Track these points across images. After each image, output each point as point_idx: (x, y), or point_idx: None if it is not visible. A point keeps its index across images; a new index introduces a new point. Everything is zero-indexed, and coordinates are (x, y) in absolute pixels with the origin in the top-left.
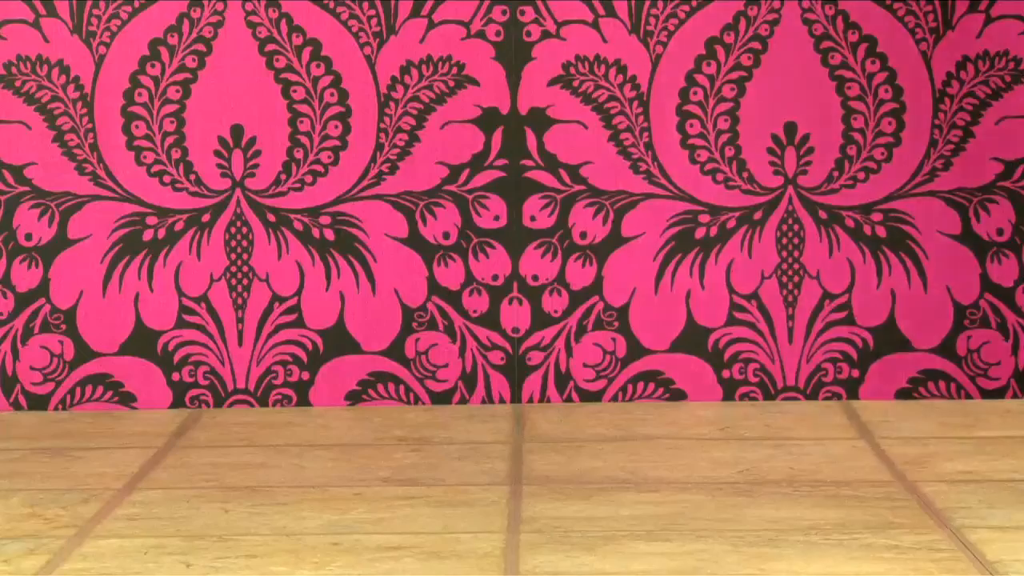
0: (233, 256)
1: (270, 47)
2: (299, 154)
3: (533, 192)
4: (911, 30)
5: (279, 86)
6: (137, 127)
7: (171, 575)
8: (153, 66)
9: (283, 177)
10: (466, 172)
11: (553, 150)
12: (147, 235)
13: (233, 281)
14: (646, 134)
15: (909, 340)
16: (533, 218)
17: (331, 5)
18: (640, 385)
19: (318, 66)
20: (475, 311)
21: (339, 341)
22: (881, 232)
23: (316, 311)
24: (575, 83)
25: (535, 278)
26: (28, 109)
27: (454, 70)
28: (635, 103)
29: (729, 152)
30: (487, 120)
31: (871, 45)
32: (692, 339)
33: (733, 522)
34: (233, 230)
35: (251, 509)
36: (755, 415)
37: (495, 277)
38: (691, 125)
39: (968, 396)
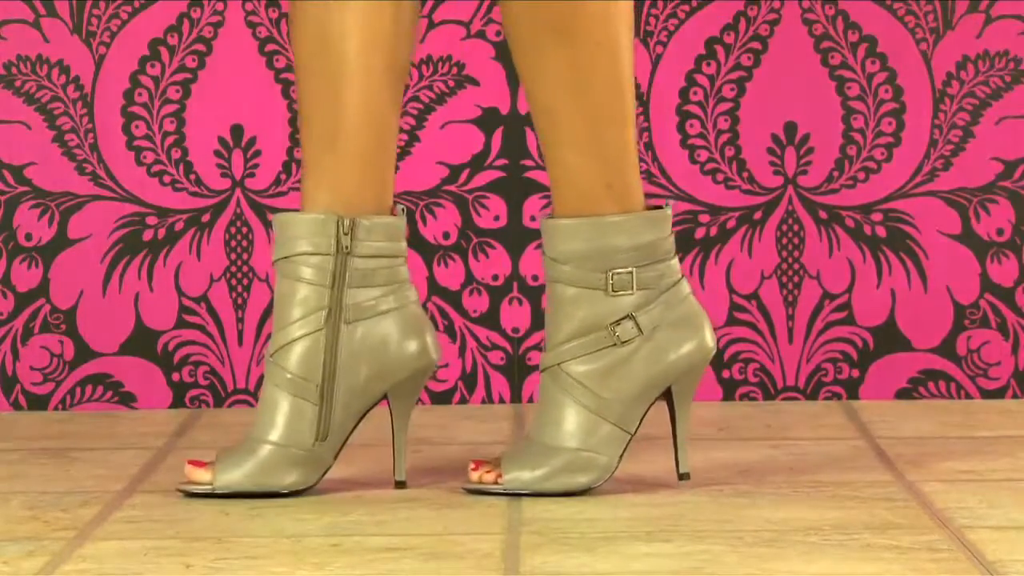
0: (233, 256)
1: (270, 47)
2: (299, 154)
3: (533, 192)
4: (911, 30)
5: (279, 86)
6: (137, 127)
7: None
8: (153, 66)
9: (283, 177)
10: (466, 172)
11: None
12: (147, 235)
13: (233, 281)
14: (646, 134)
15: (909, 340)
16: (533, 218)
17: None
18: None
19: None
20: (475, 311)
21: None
22: (881, 232)
23: None
24: None
25: (535, 278)
26: (28, 109)
27: (454, 70)
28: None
29: (729, 152)
30: (487, 120)
31: (871, 45)
32: None
33: (733, 522)
34: (233, 230)
35: (251, 511)
36: (755, 415)
37: (495, 277)
38: (691, 125)
39: (968, 396)
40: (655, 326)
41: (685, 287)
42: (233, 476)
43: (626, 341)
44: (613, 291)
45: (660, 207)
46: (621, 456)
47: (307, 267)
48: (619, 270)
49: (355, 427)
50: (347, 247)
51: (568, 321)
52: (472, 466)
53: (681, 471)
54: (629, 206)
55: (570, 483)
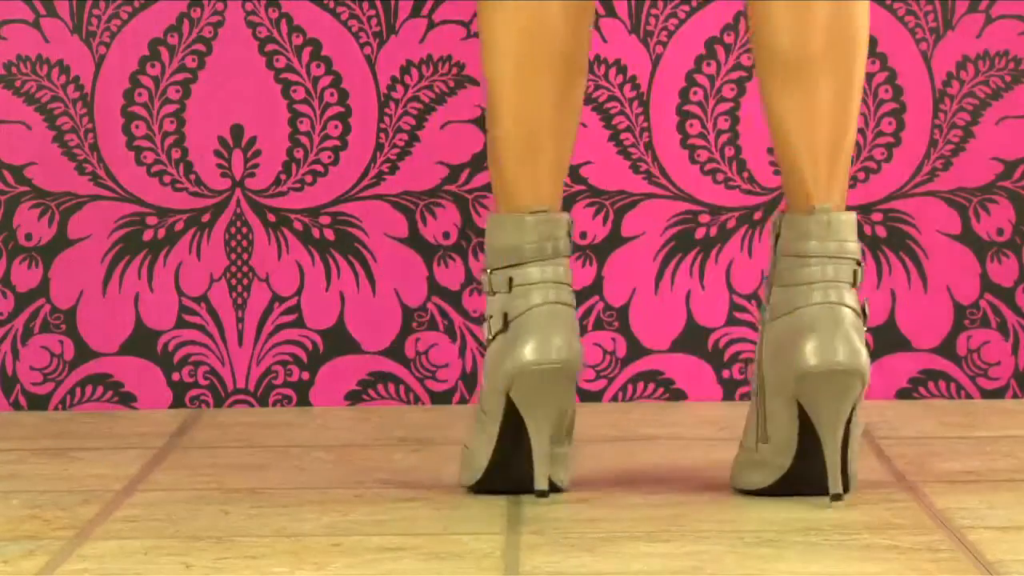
0: (233, 256)
1: (270, 47)
2: (299, 154)
3: None
4: (911, 30)
5: (279, 86)
6: (137, 127)
7: None
8: (153, 66)
9: (283, 177)
10: (466, 172)
11: None
12: (147, 235)
13: (233, 281)
14: (646, 134)
15: (909, 340)
16: None
17: (331, 5)
18: (640, 385)
19: (318, 66)
20: (475, 311)
21: (339, 341)
22: (881, 232)
23: (316, 311)
24: None
25: None
26: (28, 109)
27: (454, 70)
28: (635, 103)
29: (729, 152)
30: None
31: (871, 45)
32: (692, 339)
33: (733, 522)
34: (233, 230)
35: (251, 510)
36: None
37: None
38: (691, 125)
39: (968, 396)
40: (498, 331)
41: (539, 297)
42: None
43: (491, 339)
44: (486, 289)
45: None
46: (495, 458)
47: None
48: (484, 269)
49: (808, 432)
50: (775, 246)
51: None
52: None
53: (537, 488)
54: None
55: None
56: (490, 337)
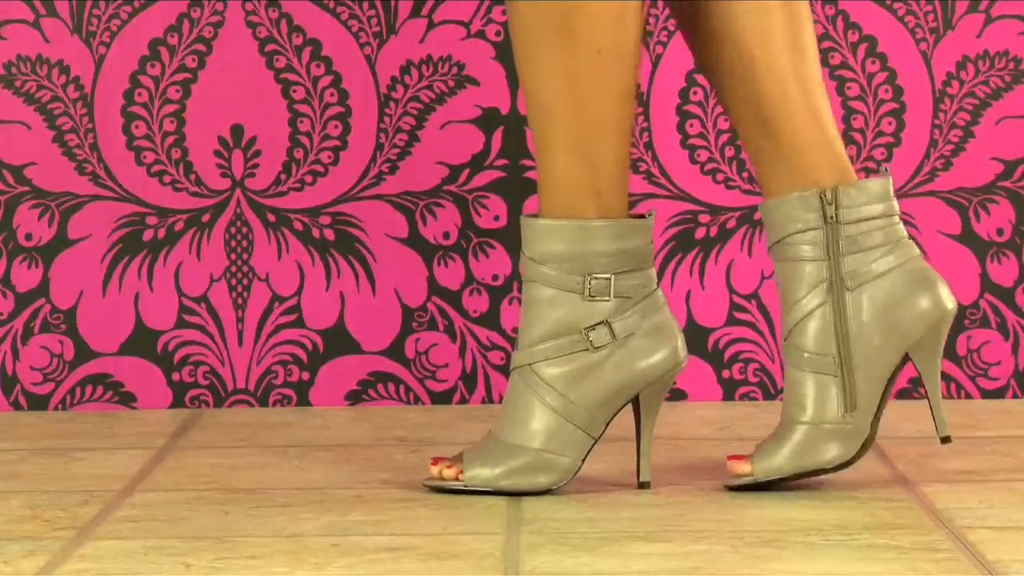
0: (233, 256)
1: (270, 47)
2: (299, 154)
3: (533, 192)
4: (911, 30)
5: (279, 86)
6: (137, 127)
7: None
8: (153, 66)
9: (283, 177)
10: (466, 172)
11: None
12: (147, 235)
13: (233, 281)
14: (646, 134)
15: None
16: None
17: (331, 5)
18: None
19: (318, 66)
20: (475, 311)
21: (339, 341)
22: None
23: (316, 311)
24: None
25: None
26: (28, 109)
27: (454, 70)
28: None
29: (729, 152)
30: (487, 120)
31: (871, 45)
32: (692, 339)
33: (733, 522)
34: (233, 230)
35: (251, 510)
36: (755, 415)
37: (495, 277)
38: (691, 125)
39: (968, 396)
40: (629, 334)
41: (660, 297)
42: (775, 462)
43: (599, 347)
44: (590, 296)
45: (642, 215)
46: (583, 459)
47: (804, 244)
48: (598, 275)
49: (885, 393)
50: (833, 216)
51: (542, 322)
52: (432, 461)
53: (641, 479)
54: (612, 213)
55: (530, 483)
56: (606, 343)
